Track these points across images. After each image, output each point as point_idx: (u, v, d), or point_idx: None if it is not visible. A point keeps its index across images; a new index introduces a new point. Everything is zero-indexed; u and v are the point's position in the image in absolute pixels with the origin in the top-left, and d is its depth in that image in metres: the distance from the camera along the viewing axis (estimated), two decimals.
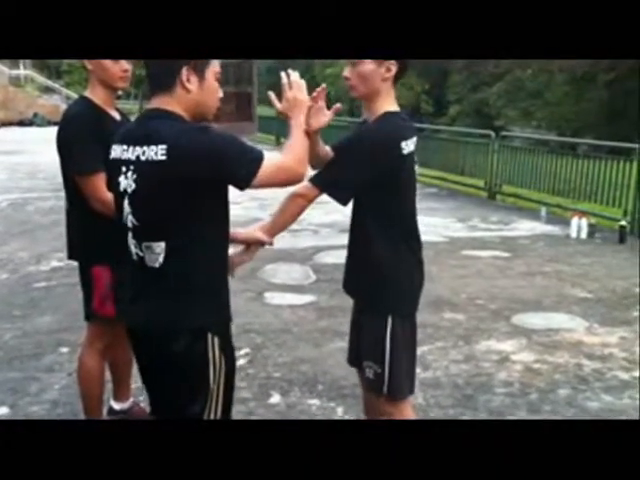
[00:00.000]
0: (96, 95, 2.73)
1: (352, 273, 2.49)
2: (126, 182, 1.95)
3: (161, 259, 1.95)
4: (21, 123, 26.20)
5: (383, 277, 2.33)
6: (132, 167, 1.92)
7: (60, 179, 2.80)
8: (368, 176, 2.23)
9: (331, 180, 2.26)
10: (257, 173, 1.92)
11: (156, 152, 1.86)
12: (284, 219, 2.31)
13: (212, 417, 2.05)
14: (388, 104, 2.31)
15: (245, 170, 1.92)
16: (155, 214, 1.94)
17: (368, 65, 2.22)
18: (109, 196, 2.63)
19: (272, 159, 1.98)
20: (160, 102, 1.97)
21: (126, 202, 1.97)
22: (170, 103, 1.96)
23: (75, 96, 17.92)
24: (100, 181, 2.64)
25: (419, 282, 2.44)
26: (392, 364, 2.32)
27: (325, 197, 2.29)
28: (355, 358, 2.54)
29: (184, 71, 1.93)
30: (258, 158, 1.93)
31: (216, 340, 2.02)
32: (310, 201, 2.28)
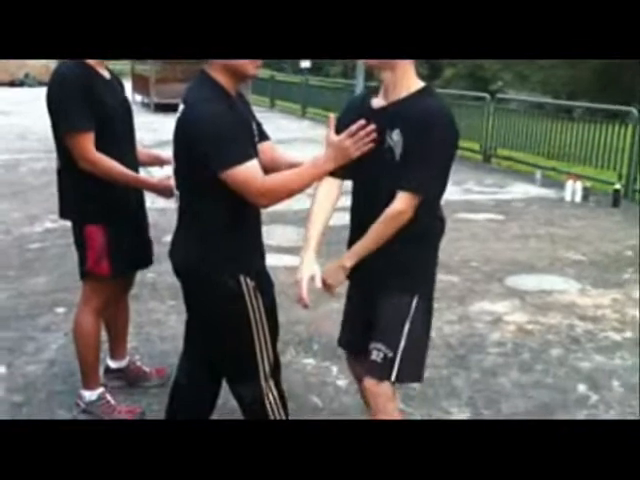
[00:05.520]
0: None
1: (380, 252, 2.19)
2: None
3: (184, 205, 2.22)
4: (12, 84, 25.82)
5: (416, 257, 2.23)
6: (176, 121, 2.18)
7: (52, 141, 2.76)
8: (451, 162, 2.15)
9: (427, 181, 2.11)
10: (228, 169, 2.03)
11: (181, 110, 2.14)
12: (382, 239, 2.13)
13: (264, 354, 2.35)
14: (410, 76, 2.14)
15: (223, 158, 2.03)
16: (176, 164, 2.21)
17: None
18: (98, 156, 2.61)
19: (259, 173, 2.07)
20: (207, 66, 2.15)
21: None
22: (211, 69, 2.14)
23: None
24: (89, 141, 2.60)
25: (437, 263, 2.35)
26: (406, 349, 2.18)
27: None
28: (355, 341, 2.41)
29: None
30: (240, 158, 2.03)
31: (248, 281, 2.23)
32: (413, 211, 2.10)
